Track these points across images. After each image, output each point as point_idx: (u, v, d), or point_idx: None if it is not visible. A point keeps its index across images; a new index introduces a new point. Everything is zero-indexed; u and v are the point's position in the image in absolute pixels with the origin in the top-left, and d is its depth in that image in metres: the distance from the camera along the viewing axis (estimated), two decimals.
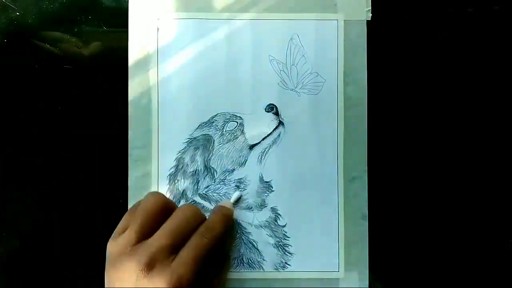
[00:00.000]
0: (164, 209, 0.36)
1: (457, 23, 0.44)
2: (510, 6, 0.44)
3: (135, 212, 0.35)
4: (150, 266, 0.32)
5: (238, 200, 0.42)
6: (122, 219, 0.37)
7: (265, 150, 0.42)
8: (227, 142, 0.42)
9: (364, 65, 0.42)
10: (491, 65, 0.44)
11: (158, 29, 0.42)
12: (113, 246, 0.35)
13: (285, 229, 0.42)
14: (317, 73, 0.43)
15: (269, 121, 0.42)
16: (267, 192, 0.42)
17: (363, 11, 0.43)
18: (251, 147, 0.42)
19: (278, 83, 0.42)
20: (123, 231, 0.35)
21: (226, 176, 0.42)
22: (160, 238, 0.34)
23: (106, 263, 0.35)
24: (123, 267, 0.33)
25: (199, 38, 0.42)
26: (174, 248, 0.34)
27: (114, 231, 0.36)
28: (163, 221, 0.35)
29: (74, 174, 0.43)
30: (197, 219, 0.36)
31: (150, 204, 0.35)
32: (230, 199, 0.42)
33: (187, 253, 0.34)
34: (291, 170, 0.42)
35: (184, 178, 0.42)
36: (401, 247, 0.43)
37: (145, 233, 0.34)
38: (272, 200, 0.42)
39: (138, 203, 0.37)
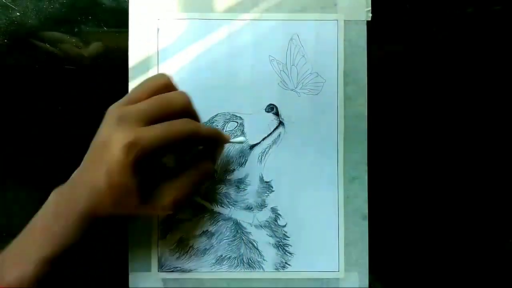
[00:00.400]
0: (166, 88, 0.36)
1: (457, 23, 0.44)
2: (510, 6, 0.44)
3: (168, 124, 0.35)
4: (120, 119, 0.33)
5: (238, 143, 0.42)
6: (147, 102, 0.37)
7: (265, 150, 0.42)
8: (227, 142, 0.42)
9: (364, 65, 0.42)
10: (492, 65, 0.44)
11: (158, 29, 0.42)
12: (109, 109, 0.36)
13: (285, 229, 0.42)
14: (317, 73, 0.43)
15: (269, 121, 0.42)
16: (267, 192, 0.42)
17: (363, 11, 0.43)
18: (251, 147, 0.42)
19: (278, 83, 0.42)
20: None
21: (226, 176, 0.42)
22: (140, 104, 0.34)
23: None
24: (105, 118, 0.35)
25: (199, 38, 0.42)
26: (148, 118, 0.34)
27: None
28: None
29: None
30: (183, 108, 0.36)
31: (154, 79, 0.36)
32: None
33: (157, 126, 0.34)
34: (291, 170, 0.42)
35: None
36: (401, 247, 0.43)
37: (137, 101, 0.35)
38: (272, 200, 0.42)
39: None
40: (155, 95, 0.35)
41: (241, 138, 0.41)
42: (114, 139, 0.32)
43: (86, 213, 0.34)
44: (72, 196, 0.34)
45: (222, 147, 0.40)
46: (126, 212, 0.35)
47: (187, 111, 0.36)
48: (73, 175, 0.36)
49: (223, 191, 0.42)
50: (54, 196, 0.36)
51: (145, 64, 0.42)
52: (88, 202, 0.34)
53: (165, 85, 0.36)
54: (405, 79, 0.44)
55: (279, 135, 0.42)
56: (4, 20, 0.43)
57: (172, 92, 0.36)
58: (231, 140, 0.40)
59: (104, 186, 0.33)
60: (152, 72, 0.42)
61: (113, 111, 0.34)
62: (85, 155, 0.36)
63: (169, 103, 0.35)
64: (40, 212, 0.35)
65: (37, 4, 0.43)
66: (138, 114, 0.34)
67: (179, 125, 0.34)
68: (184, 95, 0.36)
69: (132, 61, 0.42)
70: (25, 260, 0.33)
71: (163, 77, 0.36)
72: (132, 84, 0.42)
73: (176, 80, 0.42)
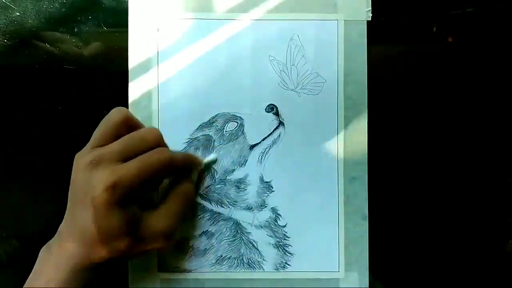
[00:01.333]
0: (126, 123, 0.36)
1: (457, 23, 0.44)
2: (510, 6, 0.44)
3: (142, 158, 0.35)
4: (96, 163, 0.33)
5: (211, 163, 0.42)
6: (119, 142, 0.37)
7: (265, 150, 0.42)
8: (227, 143, 0.42)
9: (364, 65, 0.42)
10: (492, 65, 0.44)
11: (158, 29, 0.42)
12: (76, 155, 0.36)
13: (285, 229, 0.42)
14: (317, 73, 0.43)
15: (269, 121, 0.42)
16: (267, 192, 0.42)
17: (363, 11, 0.43)
18: (251, 147, 0.42)
19: (278, 83, 0.42)
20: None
21: (226, 176, 0.42)
22: (113, 144, 0.34)
23: None
24: (75, 164, 0.35)
25: (199, 38, 0.42)
26: (123, 157, 0.34)
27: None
28: (124, 135, 0.36)
29: None
30: (155, 142, 0.36)
31: (113, 116, 0.36)
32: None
33: (133, 162, 0.34)
34: (291, 170, 0.42)
35: None
36: (401, 247, 0.43)
37: (105, 142, 0.35)
38: (272, 200, 0.42)
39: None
40: (118, 132, 0.35)
41: (212, 156, 0.42)
42: (95, 183, 0.32)
43: (82, 265, 0.33)
44: (63, 251, 0.34)
45: (196, 169, 0.41)
46: (120, 255, 0.34)
47: (159, 145, 0.36)
48: (59, 229, 0.36)
49: (223, 191, 0.42)
50: (44, 254, 0.35)
51: (145, 64, 0.42)
52: (81, 253, 0.33)
53: (124, 120, 0.36)
54: (405, 79, 0.44)
55: (279, 135, 0.42)
56: (4, 20, 0.43)
57: (143, 130, 0.37)
58: (204, 161, 0.41)
59: (94, 233, 0.32)
60: (152, 72, 0.42)
61: (83, 156, 0.34)
62: (66, 210, 0.36)
63: (143, 139, 0.35)
64: (34, 274, 0.35)
65: (37, 4, 0.43)
66: (113, 154, 0.34)
67: (155, 157, 0.35)
68: (155, 131, 0.37)
69: (132, 61, 0.42)
70: None
71: (120, 112, 0.36)
72: (132, 84, 0.42)
73: (176, 80, 0.42)
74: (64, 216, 0.36)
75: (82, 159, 0.34)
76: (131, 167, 0.33)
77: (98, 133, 0.36)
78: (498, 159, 0.44)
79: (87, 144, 0.36)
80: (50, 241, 0.36)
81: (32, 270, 0.35)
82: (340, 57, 0.43)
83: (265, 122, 0.42)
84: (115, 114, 0.36)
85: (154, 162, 0.34)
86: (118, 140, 0.35)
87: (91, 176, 0.33)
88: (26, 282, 0.35)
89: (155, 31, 0.42)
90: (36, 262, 0.35)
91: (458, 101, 0.44)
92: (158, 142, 0.36)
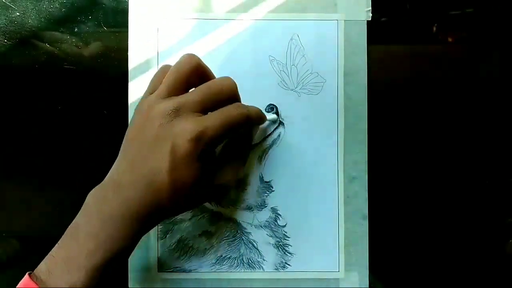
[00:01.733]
0: (198, 71, 0.35)
1: (457, 23, 0.44)
2: (510, 6, 0.44)
3: (169, 71, 0.34)
4: (177, 112, 0.32)
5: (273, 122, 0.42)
6: (151, 81, 0.36)
7: (265, 150, 0.42)
8: None
9: (364, 65, 0.42)
10: (492, 65, 0.44)
11: (158, 29, 0.42)
12: (142, 103, 0.34)
13: (285, 229, 0.42)
14: (317, 73, 0.43)
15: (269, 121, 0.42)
16: (267, 192, 0.42)
17: (363, 11, 0.43)
18: (251, 147, 0.42)
19: (278, 83, 0.42)
20: (154, 91, 0.34)
21: None
22: (192, 94, 0.33)
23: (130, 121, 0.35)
24: (148, 111, 0.33)
25: (199, 38, 0.42)
26: (203, 107, 0.33)
27: (145, 91, 0.36)
28: (197, 84, 0.34)
29: (74, 174, 0.43)
30: (231, 94, 0.35)
31: (184, 64, 0.34)
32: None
33: (216, 114, 0.33)
34: (291, 170, 0.42)
35: None
36: (401, 247, 0.43)
37: (178, 91, 0.33)
38: (272, 200, 0.42)
39: (168, 66, 0.36)
40: (190, 80, 0.34)
41: (273, 116, 0.42)
42: (178, 131, 0.31)
43: (140, 214, 0.32)
44: (119, 197, 0.32)
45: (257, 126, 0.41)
46: (185, 208, 0.34)
47: (235, 96, 0.36)
48: (111, 175, 0.34)
49: None
50: (94, 199, 0.33)
51: (145, 64, 0.42)
52: (143, 202, 0.32)
53: (196, 68, 0.34)
54: (405, 79, 0.44)
55: (279, 135, 0.42)
56: (4, 20, 0.43)
57: (218, 80, 0.35)
58: (267, 118, 0.41)
59: (166, 183, 0.31)
60: (152, 72, 0.42)
61: (158, 103, 0.33)
62: (123, 154, 0.34)
63: (221, 91, 0.34)
64: (81, 216, 0.33)
65: (37, 4, 0.43)
66: (195, 104, 0.32)
67: (235, 111, 0.34)
68: (231, 82, 0.35)
69: (132, 61, 0.42)
70: (74, 268, 0.32)
71: (192, 59, 0.34)
72: (132, 84, 0.42)
73: None
74: (117, 165, 0.34)
75: (159, 105, 0.32)
76: (215, 120, 0.32)
77: (170, 80, 0.34)
78: (498, 159, 0.44)
79: (150, 92, 0.34)
80: (98, 189, 0.34)
81: (80, 214, 0.33)
82: (340, 57, 0.43)
83: (265, 122, 0.42)
84: (186, 62, 0.34)
85: (236, 116, 0.33)
86: (196, 90, 0.34)
87: (174, 125, 0.31)
88: (73, 224, 0.33)
89: (155, 31, 0.42)
90: (84, 206, 0.33)
91: (458, 101, 0.44)
92: (234, 93, 0.35)
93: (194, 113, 0.32)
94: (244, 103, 0.37)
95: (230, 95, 0.35)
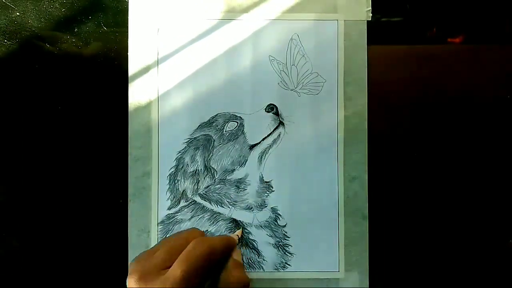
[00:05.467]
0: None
1: (457, 23, 0.44)
2: (510, 6, 0.44)
3: (183, 256, 0.35)
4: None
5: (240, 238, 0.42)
6: (161, 249, 0.36)
7: (265, 150, 0.42)
8: (227, 142, 0.42)
9: (364, 65, 0.42)
10: (492, 65, 0.44)
11: (158, 29, 0.42)
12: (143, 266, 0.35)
13: (285, 229, 0.42)
14: (317, 73, 0.43)
15: (269, 121, 0.42)
16: (267, 192, 0.42)
17: (363, 11, 0.43)
18: (251, 147, 0.42)
19: (278, 83, 0.42)
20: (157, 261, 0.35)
21: (226, 176, 0.42)
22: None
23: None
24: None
25: (199, 38, 0.42)
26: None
27: (146, 251, 0.36)
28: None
29: (74, 174, 0.43)
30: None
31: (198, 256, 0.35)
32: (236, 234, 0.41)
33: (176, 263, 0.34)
34: (291, 170, 0.42)
35: (184, 178, 0.42)
36: (401, 247, 0.43)
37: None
38: (272, 200, 0.42)
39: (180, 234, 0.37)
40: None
41: (238, 232, 0.42)
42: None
43: None
44: None
45: (235, 249, 0.39)
46: None
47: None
48: None
49: (223, 191, 0.42)
50: None
51: (145, 64, 0.42)
52: None
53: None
54: (405, 79, 0.44)
55: (279, 135, 0.42)
56: (4, 20, 0.43)
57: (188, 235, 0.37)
58: (235, 235, 0.41)
59: None
60: (152, 72, 0.42)
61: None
62: None
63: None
64: None
65: (37, 4, 0.43)
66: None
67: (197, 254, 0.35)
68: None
69: (132, 61, 0.42)
70: None
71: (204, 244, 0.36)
72: (132, 84, 0.42)
73: (176, 80, 0.42)
74: None
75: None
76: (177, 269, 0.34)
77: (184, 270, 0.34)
78: (497, 158, 0.44)
79: (155, 263, 0.35)
80: None
81: None
82: (340, 57, 0.43)
83: (265, 122, 0.42)
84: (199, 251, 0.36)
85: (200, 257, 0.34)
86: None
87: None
88: None
89: (155, 32, 0.42)
90: None
91: (458, 100, 0.44)
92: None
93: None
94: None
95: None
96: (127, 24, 0.42)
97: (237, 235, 0.41)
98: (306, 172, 0.42)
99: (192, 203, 0.42)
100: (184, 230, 0.37)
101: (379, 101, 0.43)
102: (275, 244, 0.42)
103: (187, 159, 0.42)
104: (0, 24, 0.43)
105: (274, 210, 0.42)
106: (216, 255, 0.35)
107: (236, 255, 0.38)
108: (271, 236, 0.42)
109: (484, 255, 0.43)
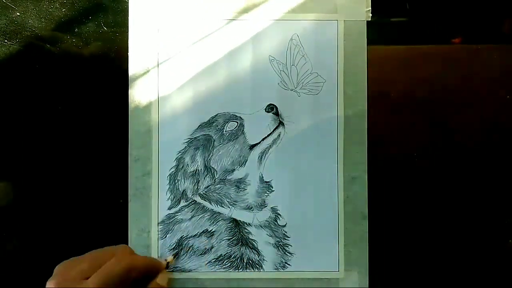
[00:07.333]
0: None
1: (457, 23, 0.44)
2: (510, 6, 0.44)
3: (101, 270, 0.36)
4: None
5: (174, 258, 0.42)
6: (86, 259, 0.37)
7: (265, 150, 0.42)
8: (227, 142, 0.42)
9: (364, 65, 0.42)
10: (492, 65, 0.44)
11: (158, 30, 0.42)
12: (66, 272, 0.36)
13: (285, 229, 0.42)
14: (317, 73, 0.43)
15: (269, 121, 0.42)
16: (267, 192, 0.42)
17: (363, 11, 0.43)
18: (251, 147, 0.42)
19: (278, 83, 0.43)
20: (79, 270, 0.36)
21: (226, 176, 0.42)
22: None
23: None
24: None
25: (199, 38, 0.42)
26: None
27: (73, 258, 0.37)
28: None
29: (74, 174, 0.43)
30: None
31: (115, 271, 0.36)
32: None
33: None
34: (291, 170, 0.42)
35: (184, 178, 0.42)
36: (401, 247, 0.43)
37: None
38: (272, 200, 0.42)
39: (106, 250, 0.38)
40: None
41: (169, 258, 0.42)
42: None
43: None
44: None
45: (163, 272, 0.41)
46: None
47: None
48: None
49: (223, 191, 0.42)
50: None
51: (145, 64, 0.42)
52: None
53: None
54: (405, 79, 0.44)
55: (279, 135, 0.42)
56: (4, 20, 0.43)
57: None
58: (164, 260, 0.41)
59: None
60: (152, 72, 0.42)
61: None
62: None
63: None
64: None
65: (38, 4, 0.43)
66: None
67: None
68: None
69: (132, 61, 0.42)
70: None
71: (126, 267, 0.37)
72: (132, 84, 0.42)
73: (176, 80, 0.42)
74: None
75: None
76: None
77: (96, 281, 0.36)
78: (497, 157, 0.44)
79: (78, 271, 0.36)
80: None
81: None
82: (340, 57, 0.43)
83: (265, 122, 0.42)
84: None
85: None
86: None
87: None
88: None
89: (155, 32, 0.42)
90: None
91: (458, 100, 0.44)
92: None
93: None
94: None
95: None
96: (127, 24, 0.42)
97: (167, 260, 0.41)
98: (306, 172, 0.42)
99: (192, 203, 0.42)
100: (115, 246, 0.39)
101: (379, 101, 0.43)
102: (275, 244, 0.42)
103: (187, 159, 0.42)
104: (0, 24, 0.43)
105: (274, 210, 0.42)
106: (134, 274, 0.36)
107: (160, 279, 0.40)
108: (271, 236, 0.42)
109: (484, 255, 0.43)
